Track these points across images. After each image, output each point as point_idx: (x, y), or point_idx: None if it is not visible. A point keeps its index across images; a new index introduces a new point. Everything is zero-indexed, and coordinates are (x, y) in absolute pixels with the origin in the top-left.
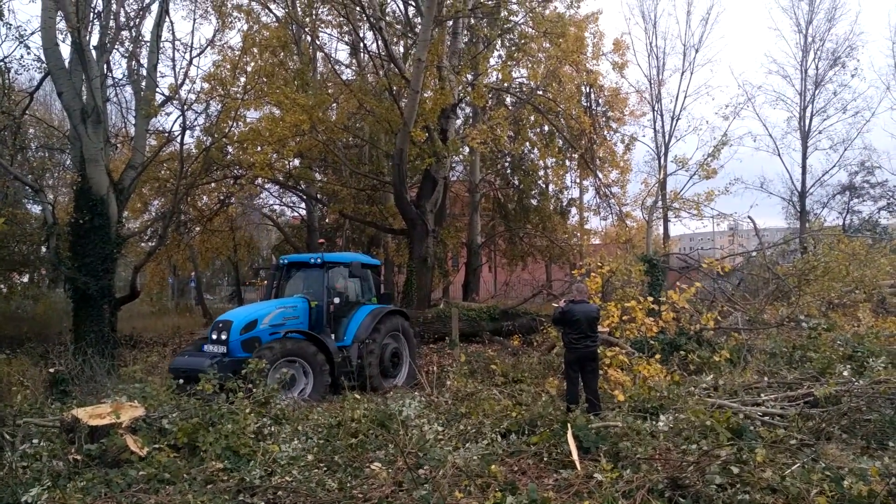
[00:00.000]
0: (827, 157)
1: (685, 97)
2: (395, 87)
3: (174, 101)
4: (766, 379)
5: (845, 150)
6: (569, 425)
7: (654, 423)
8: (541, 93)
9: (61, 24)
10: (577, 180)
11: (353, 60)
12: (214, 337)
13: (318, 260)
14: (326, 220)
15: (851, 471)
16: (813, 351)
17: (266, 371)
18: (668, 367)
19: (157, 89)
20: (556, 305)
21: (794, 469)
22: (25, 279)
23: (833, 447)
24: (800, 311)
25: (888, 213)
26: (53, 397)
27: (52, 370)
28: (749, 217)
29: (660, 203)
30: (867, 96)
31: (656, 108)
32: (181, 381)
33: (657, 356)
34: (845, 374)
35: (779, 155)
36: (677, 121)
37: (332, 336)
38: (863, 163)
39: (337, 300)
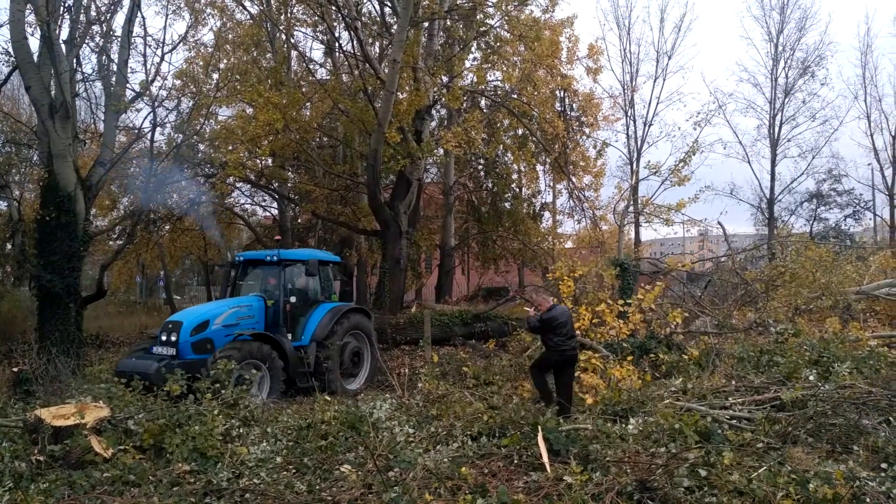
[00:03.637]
0: (795, 164)
1: (658, 103)
2: (369, 88)
3: (145, 98)
4: (733, 383)
5: (813, 158)
6: (539, 428)
7: (623, 425)
8: (515, 96)
9: (31, 18)
10: (551, 184)
11: (328, 60)
12: (164, 338)
13: (275, 257)
14: (299, 220)
15: (817, 474)
16: (780, 355)
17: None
18: (640, 369)
19: (128, 85)
20: (530, 316)
21: (760, 472)
22: None
23: (799, 451)
24: (767, 317)
25: (854, 220)
26: (17, 397)
27: (15, 369)
28: (719, 223)
29: (632, 208)
30: (835, 105)
31: (629, 114)
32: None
33: (629, 358)
34: (811, 378)
35: (748, 162)
36: (650, 126)
37: (289, 336)
38: (830, 171)
39: (293, 299)
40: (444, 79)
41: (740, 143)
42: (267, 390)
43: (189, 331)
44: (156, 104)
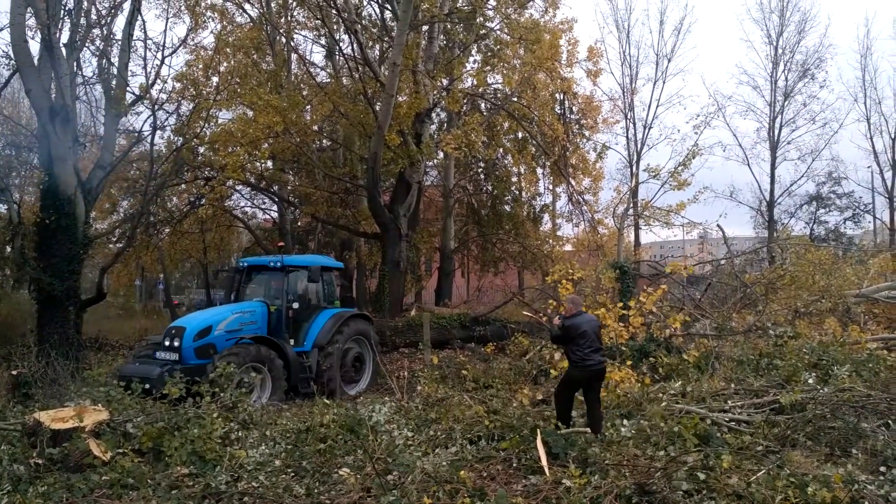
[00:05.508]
0: (795, 167)
1: (657, 106)
2: (369, 91)
3: (145, 101)
4: (732, 386)
5: (813, 160)
6: (538, 431)
7: (621, 429)
8: (515, 99)
9: (31, 21)
10: (550, 187)
11: (328, 63)
12: (167, 343)
13: (278, 263)
14: (299, 223)
15: (815, 477)
16: (779, 359)
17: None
18: (638, 372)
19: (128, 88)
20: (555, 324)
21: (759, 475)
22: None
23: (798, 454)
24: (767, 320)
25: (854, 223)
26: (15, 400)
27: (14, 372)
28: (718, 226)
29: (631, 211)
30: (835, 108)
31: (629, 117)
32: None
33: (628, 362)
34: (810, 381)
35: (748, 164)
36: (649, 129)
37: (292, 341)
38: (830, 173)
39: (296, 305)
40: (444, 82)
41: (740, 145)
42: (268, 394)
43: (192, 336)
44: (156, 107)
